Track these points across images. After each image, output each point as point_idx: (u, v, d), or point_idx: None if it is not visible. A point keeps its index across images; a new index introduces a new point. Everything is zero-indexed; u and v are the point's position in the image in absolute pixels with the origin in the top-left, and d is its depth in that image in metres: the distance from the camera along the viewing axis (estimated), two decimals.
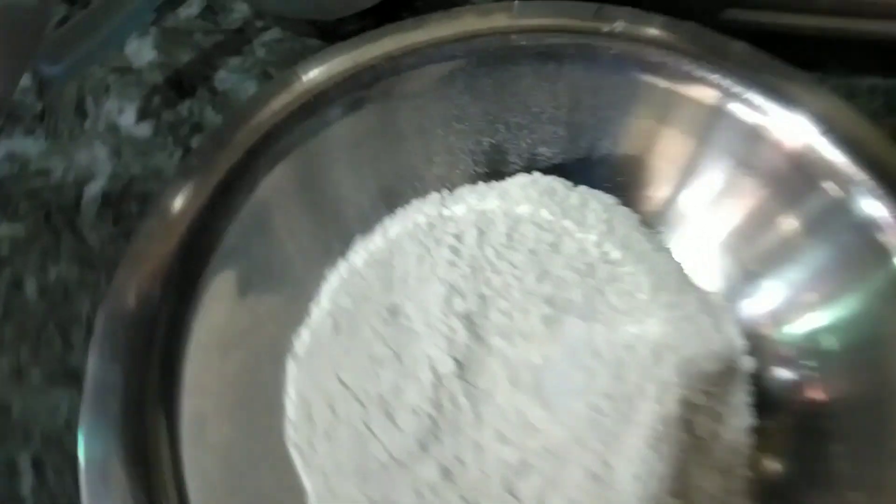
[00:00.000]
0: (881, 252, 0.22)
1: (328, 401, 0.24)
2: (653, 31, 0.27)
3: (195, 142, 0.35)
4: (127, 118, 0.36)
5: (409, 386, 0.24)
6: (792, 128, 0.24)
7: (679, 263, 0.28)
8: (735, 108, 0.25)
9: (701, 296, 0.27)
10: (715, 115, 0.25)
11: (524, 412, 0.24)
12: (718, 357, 0.26)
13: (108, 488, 0.19)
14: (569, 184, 0.29)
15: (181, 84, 0.37)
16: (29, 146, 0.36)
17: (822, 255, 0.24)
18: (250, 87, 0.37)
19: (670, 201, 0.28)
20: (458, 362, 0.24)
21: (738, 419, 0.25)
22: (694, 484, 0.23)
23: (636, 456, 0.23)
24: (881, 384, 0.22)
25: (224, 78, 0.37)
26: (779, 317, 0.25)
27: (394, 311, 0.26)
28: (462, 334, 0.25)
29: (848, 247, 0.23)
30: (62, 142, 0.36)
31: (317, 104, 0.25)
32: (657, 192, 0.28)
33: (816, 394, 0.24)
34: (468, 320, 0.25)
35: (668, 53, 0.26)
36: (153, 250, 0.22)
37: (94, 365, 0.20)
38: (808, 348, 0.24)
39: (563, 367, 0.25)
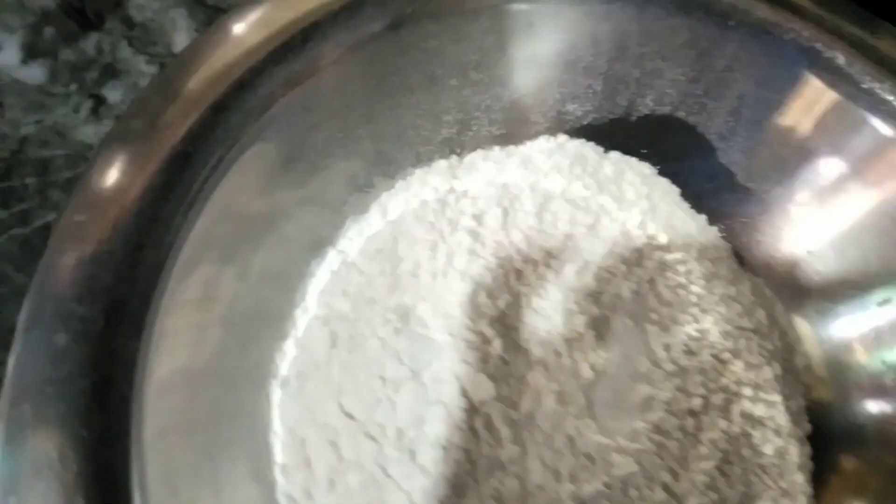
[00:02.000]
0: None
1: (329, 437, 0.18)
2: None
3: (109, 90, 0.27)
4: (8, 56, 0.27)
5: (432, 414, 0.19)
6: None
7: (727, 244, 0.24)
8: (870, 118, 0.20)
9: (751, 283, 0.24)
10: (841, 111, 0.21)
11: (575, 439, 0.19)
12: (776, 355, 0.22)
13: None
14: (599, 149, 0.24)
15: (83, 12, 0.28)
16: None
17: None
18: (178, 18, 0.28)
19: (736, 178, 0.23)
20: (493, 380, 0.19)
21: (798, 428, 0.22)
22: None
23: (703, 483, 0.19)
24: None
25: (142, 5, 0.29)
26: (878, 338, 0.21)
27: (405, 316, 0.20)
28: (498, 346, 0.20)
29: None
30: None
31: (303, 42, 0.18)
32: (718, 161, 0.23)
33: None
34: (502, 325, 0.20)
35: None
36: (84, 253, 0.15)
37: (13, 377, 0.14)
38: None
39: (618, 380, 0.20)
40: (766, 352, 0.22)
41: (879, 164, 0.20)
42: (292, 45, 0.17)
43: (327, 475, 0.18)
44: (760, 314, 0.23)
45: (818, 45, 0.20)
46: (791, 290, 0.23)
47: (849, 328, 0.22)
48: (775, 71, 0.21)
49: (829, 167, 0.21)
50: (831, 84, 0.20)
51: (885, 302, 0.20)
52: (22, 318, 0.15)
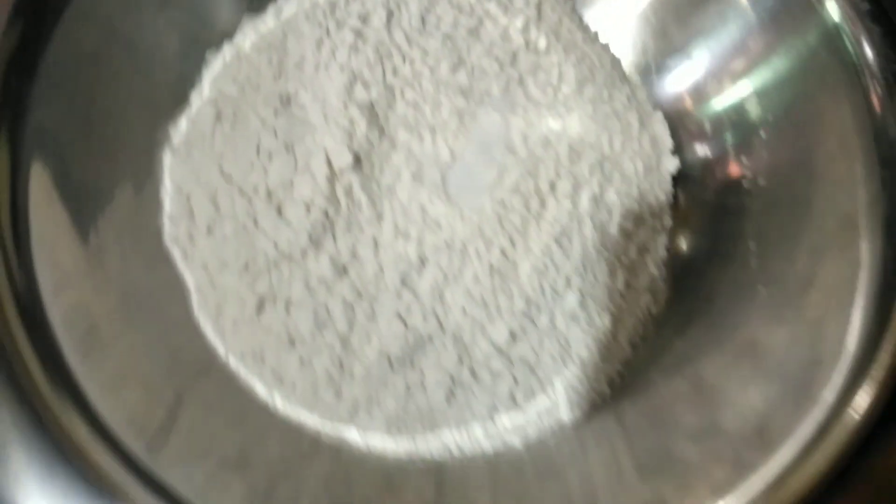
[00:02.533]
0: (810, 4, 0.20)
1: (210, 194, 0.21)
2: None
3: None
4: None
5: (301, 180, 0.21)
6: None
7: (613, 57, 0.25)
8: None
9: (630, 92, 0.25)
10: None
11: (426, 208, 0.22)
12: (641, 156, 0.24)
13: None
14: None
15: None
16: None
17: (749, 16, 0.21)
18: None
19: None
20: (357, 156, 0.22)
21: (655, 219, 0.24)
22: (598, 280, 0.22)
23: (540, 252, 0.21)
24: (799, 160, 0.20)
25: None
26: (702, 91, 0.23)
27: (286, 101, 0.23)
28: (363, 126, 0.22)
29: (776, 3, 0.21)
30: None
31: None
32: None
33: (731, 169, 0.22)
34: (371, 112, 0.22)
35: None
36: None
37: None
38: (728, 121, 0.23)
39: (473, 163, 0.23)
40: (632, 150, 0.24)
41: None
42: None
43: (206, 223, 0.21)
44: (632, 117, 0.24)
45: None
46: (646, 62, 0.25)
47: (678, 83, 0.24)
48: None
49: None
50: None
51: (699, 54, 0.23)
52: None
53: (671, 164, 0.24)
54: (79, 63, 0.20)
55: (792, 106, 0.21)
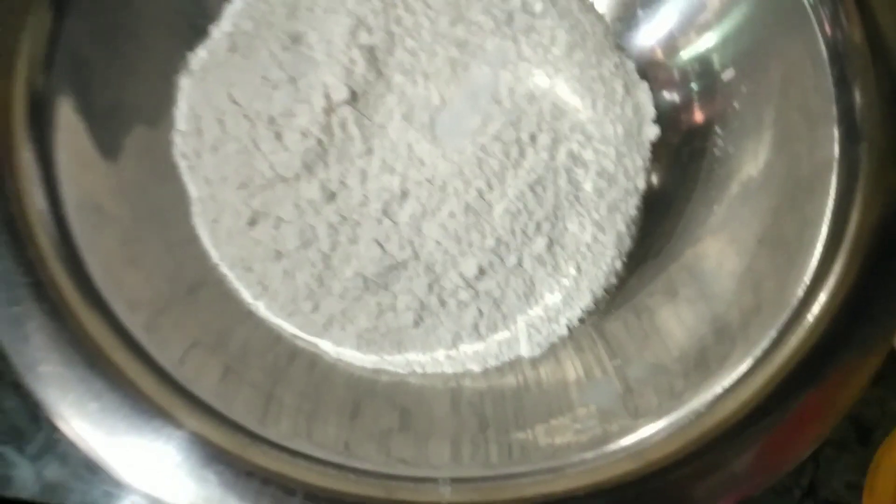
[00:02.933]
0: None
1: (218, 116, 0.23)
2: None
3: None
4: None
5: (300, 110, 0.23)
6: None
7: (606, 25, 0.27)
8: None
9: (619, 61, 0.26)
10: None
11: (413, 146, 0.23)
12: (623, 121, 0.25)
13: None
14: None
15: None
16: None
17: None
18: None
19: None
20: (354, 93, 0.24)
21: (629, 181, 0.25)
22: (568, 230, 0.24)
23: (514, 196, 0.23)
24: (757, 94, 0.22)
25: None
26: (672, 42, 0.25)
27: (295, 38, 0.24)
28: (362, 66, 0.24)
29: None
30: None
31: None
32: None
33: (696, 114, 0.24)
34: (371, 54, 0.24)
35: None
36: None
37: None
38: (696, 70, 0.24)
39: (461, 109, 0.24)
40: (613, 115, 0.25)
41: None
42: None
43: (212, 142, 0.23)
44: (618, 84, 0.26)
45: None
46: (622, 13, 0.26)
47: (650, 36, 0.26)
48: None
49: None
50: None
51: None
52: None
53: (651, 132, 0.26)
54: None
55: (753, 48, 0.22)
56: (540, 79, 0.25)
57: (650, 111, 0.26)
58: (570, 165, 0.24)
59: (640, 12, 0.25)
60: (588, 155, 0.24)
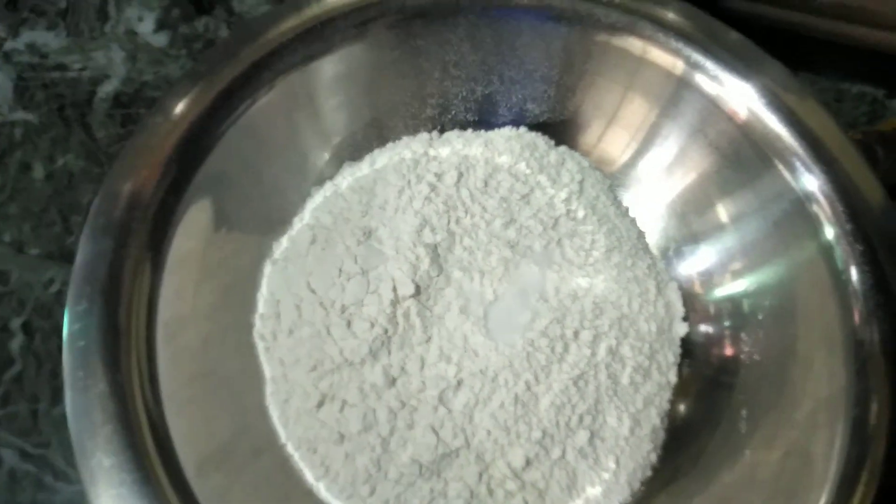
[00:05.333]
0: (811, 222, 0.24)
1: (296, 302, 0.26)
2: (650, 6, 0.28)
3: (205, 54, 0.36)
4: (146, 26, 0.38)
5: (370, 300, 0.26)
6: (742, 98, 0.26)
7: (640, 230, 0.30)
8: (698, 78, 0.27)
9: (652, 262, 0.29)
10: (679, 85, 0.27)
11: (468, 338, 0.26)
12: (656, 318, 0.28)
13: (86, 360, 0.21)
14: (551, 142, 0.31)
15: (200, 1, 0.38)
16: (50, 40, 0.37)
17: (757, 223, 0.26)
18: (266, 11, 0.38)
19: (631, 165, 0.30)
20: (417, 287, 0.26)
21: (662, 376, 0.27)
22: (607, 423, 0.25)
23: (559, 390, 0.25)
24: (784, 348, 0.24)
25: (241, 1, 0.38)
26: (709, 279, 0.28)
27: (368, 234, 0.28)
28: (426, 263, 0.27)
29: (782, 216, 0.25)
30: (82, 40, 0.37)
31: (323, 29, 0.26)
32: (623, 156, 0.30)
33: (728, 350, 0.26)
34: (434, 251, 0.27)
35: (660, 29, 0.28)
36: (154, 143, 0.24)
37: (86, 237, 0.23)
38: (729, 309, 0.27)
39: (512, 305, 0.27)
40: (647, 312, 0.28)
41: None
42: (313, 29, 0.26)
43: (289, 326, 0.26)
44: (651, 284, 0.29)
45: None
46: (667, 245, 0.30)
47: (691, 267, 0.28)
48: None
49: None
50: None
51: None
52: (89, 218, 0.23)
53: (681, 329, 0.28)
54: (215, 187, 0.26)
55: (784, 304, 0.25)
56: (582, 279, 0.28)
57: (680, 310, 0.29)
58: (609, 360, 0.26)
59: (684, 248, 0.29)
60: (625, 350, 0.27)
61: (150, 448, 0.20)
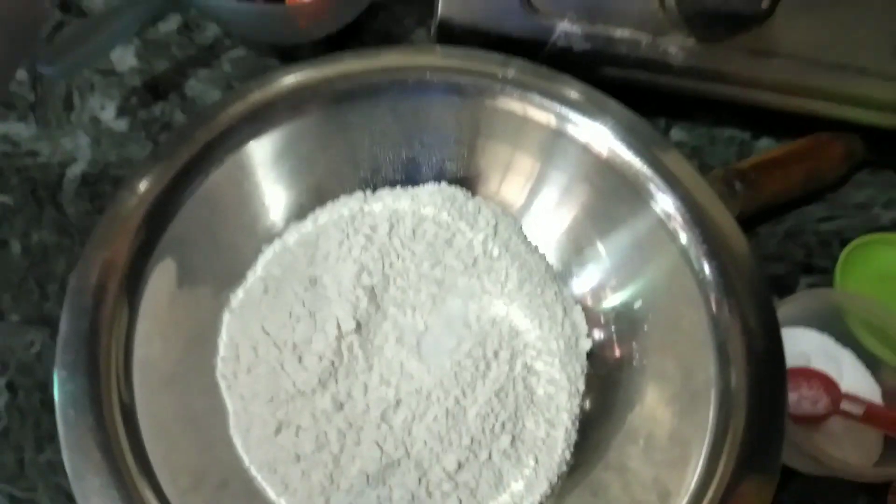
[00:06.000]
0: (669, 233, 0.30)
1: (252, 344, 0.30)
2: (537, 79, 0.34)
3: (164, 138, 0.41)
4: (108, 113, 0.42)
5: (317, 338, 0.30)
6: (603, 140, 0.32)
7: (547, 264, 0.35)
8: (569, 128, 0.33)
9: (558, 290, 0.35)
10: (555, 135, 0.33)
11: (404, 363, 0.30)
12: (564, 337, 0.33)
13: (73, 396, 0.25)
14: (468, 193, 0.36)
15: (156, 88, 0.43)
16: (21, 130, 0.41)
17: (629, 240, 0.32)
18: (216, 96, 0.43)
19: (527, 206, 0.35)
20: (358, 323, 0.31)
21: (572, 385, 0.32)
22: (526, 427, 0.30)
23: (483, 402, 0.30)
24: (662, 341, 0.30)
25: (193, 86, 0.43)
26: (598, 293, 0.33)
27: (314, 281, 0.32)
28: (364, 302, 0.31)
29: (647, 232, 0.31)
30: (50, 129, 0.41)
31: (265, 112, 0.31)
32: (520, 198, 0.35)
33: (617, 351, 0.32)
34: (371, 292, 0.32)
35: (545, 96, 0.34)
36: (124, 215, 0.28)
37: (69, 297, 0.26)
38: (613, 317, 0.32)
39: (440, 333, 0.32)
40: (556, 332, 0.33)
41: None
42: (257, 112, 0.31)
43: (247, 365, 0.30)
44: (558, 308, 0.34)
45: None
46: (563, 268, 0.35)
47: (583, 286, 0.34)
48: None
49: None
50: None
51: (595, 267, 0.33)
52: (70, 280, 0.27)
53: (586, 344, 0.33)
54: (178, 249, 0.30)
55: (658, 304, 0.31)
56: (499, 307, 0.33)
57: (584, 328, 0.34)
58: (525, 374, 0.31)
59: (575, 269, 0.34)
60: (539, 366, 0.31)
61: (133, 472, 0.23)
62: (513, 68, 0.34)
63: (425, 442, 0.29)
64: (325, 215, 0.35)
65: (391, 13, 0.46)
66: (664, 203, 0.30)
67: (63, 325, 0.26)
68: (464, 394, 0.30)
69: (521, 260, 0.34)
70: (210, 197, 0.31)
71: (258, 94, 0.32)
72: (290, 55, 0.43)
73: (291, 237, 0.34)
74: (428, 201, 0.35)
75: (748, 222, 0.39)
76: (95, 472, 0.22)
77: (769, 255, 0.41)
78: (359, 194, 0.36)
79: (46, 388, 0.32)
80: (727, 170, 0.38)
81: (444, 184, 0.36)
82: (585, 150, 0.32)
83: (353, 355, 0.30)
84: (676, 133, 0.43)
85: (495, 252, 0.34)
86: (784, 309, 0.34)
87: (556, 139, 0.33)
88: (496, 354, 0.31)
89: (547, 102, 0.32)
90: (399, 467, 0.29)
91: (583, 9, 0.35)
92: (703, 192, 0.30)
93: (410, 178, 0.37)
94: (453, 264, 0.33)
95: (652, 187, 0.31)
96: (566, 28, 0.35)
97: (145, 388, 0.26)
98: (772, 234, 0.41)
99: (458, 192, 0.36)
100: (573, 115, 0.32)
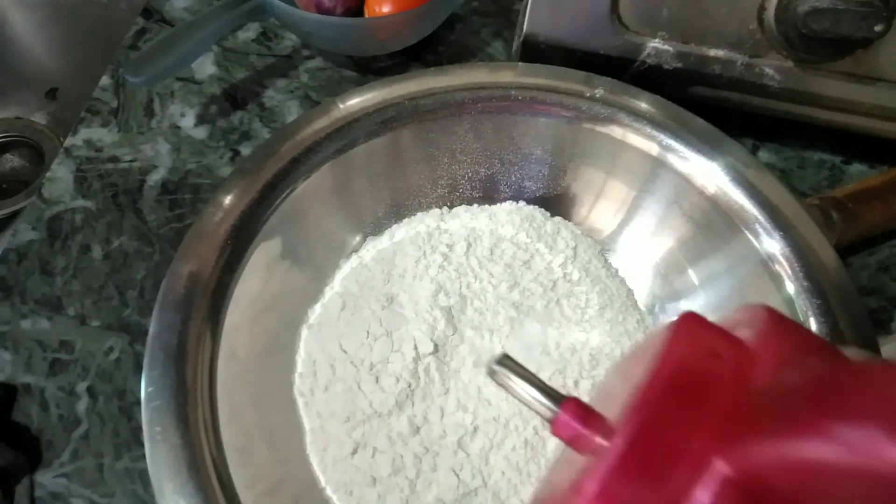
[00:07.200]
0: (774, 280, 0.28)
1: (330, 361, 0.30)
2: (626, 99, 0.33)
3: (242, 147, 0.41)
4: (187, 121, 0.43)
5: (394, 358, 0.30)
6: (709, 175, 0.31)
7: (629, 289, 0.34)
8: (671, 158, 0.31)
9: (640, 317, 0.33)
10: (655, 164, 0.32)
11: (482, 389, 0.30)
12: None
13: (161, 417, 0.25)
14: (546, 214, 0.35)
15: (235, 98, 0.44)
16: (104, 135, 0.42)
17: (728, 282, 0.30)
18: (293, 107, 0.43)
19: (618, 233, 0.34)
20: (436, 345, 0.30)
21: None
22: None
23: None
24: None
25: (272, 96, 0.44)
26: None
27: (390, 299, 0.32)
28: (442, 323, 0.31)
29: (749, 276, 0.29)
30: (131, 135, 0.42)
31: (349, 128, 0.31)
32: (610, 225, 0.34)
33: None
34: (448, 313, 0.31)
35: (637, 118, 0.33)
36: (210, 230, 0.29)
37: (157, 312, 0.27)
38: None
39: (519, 359, 0.31)
40: None
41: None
42: (341, 128, 0.31)
43: (324, 382, 0.30)
44: (640, 336, 0.32)
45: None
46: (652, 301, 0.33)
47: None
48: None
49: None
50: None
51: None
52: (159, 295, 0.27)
53: None
54: (261, 265, 0.30)
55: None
56: (579, 334, 0.32)
57: None
58: None
59: (667, 304, 0.33)
60: None
61: (216, 490, 0.23)
62: (601, 87, 0.33)
63: (503, 472, 0.28)
64: (401, 232, 0.34)
65: (468, 25, 0.45)
66: (771, 247, 0.29)
67: (150, 340, 0.26)
68: (543, 424, 0.29)
69: (601, 285, 0.33)
70: (293, 212, 0.31)
71: (343, 111, 0.32)
72: (366, 66, 0.43)
73: (369, 253, 0.34)
74: (506, 220, 0.35)
75: (841, 253, 0.37)
76: (182, 493, 0.22)
77: (860, 287, 0.39)
78: (435, 211, 0.35)
79: (125, 394, 0.33)
80: (823, 199, 0.36)
81: (522, 203, 0.36)
82: (687, 182, 0.31)
83: (430, 378, 0.30)
84: (764, 155, 0.42)
85: (575, 275, 0.33)
86: (885, 349, 0.32)
87: (654, 169, 0.32)
88: (576, 384, 0.30)
89: (647, 128, 0.31)
90: (476, 497, 0.28)
91: (676, 28, 0.34)
92: (815, 240, 0.29)
93: (488, 196, 0.36)
94: (531, 287, 0.33)
95: (760, 230, 0.29)
96: (657, 46, 0.34)
97: (227, 403, 0.26)
98: (864, 265, 0.39)
99: (536, 212, 0.35)
100: (678, 146, 0.31)
